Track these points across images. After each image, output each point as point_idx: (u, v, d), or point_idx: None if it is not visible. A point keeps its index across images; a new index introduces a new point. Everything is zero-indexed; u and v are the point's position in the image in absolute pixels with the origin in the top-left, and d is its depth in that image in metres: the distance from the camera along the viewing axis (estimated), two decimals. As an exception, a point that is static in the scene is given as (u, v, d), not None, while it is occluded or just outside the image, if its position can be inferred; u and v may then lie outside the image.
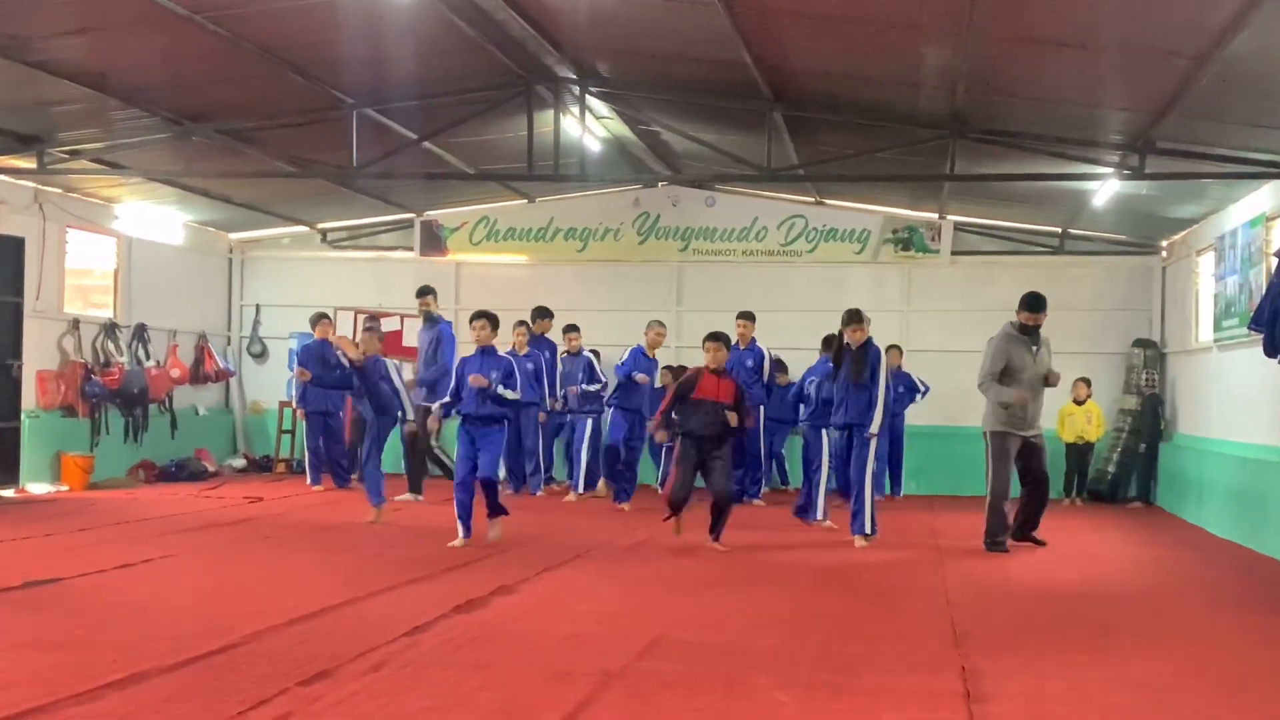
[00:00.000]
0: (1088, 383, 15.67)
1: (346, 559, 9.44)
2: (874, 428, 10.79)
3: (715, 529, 10.26)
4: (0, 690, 5.15)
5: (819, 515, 12.00)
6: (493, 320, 10.56)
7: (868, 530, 10.76)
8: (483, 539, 10.22)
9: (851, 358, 10.96)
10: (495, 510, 10.37)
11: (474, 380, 10.11)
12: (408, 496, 13.78)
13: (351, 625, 6.81)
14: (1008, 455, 10.68)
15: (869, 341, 11.01)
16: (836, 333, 11.37)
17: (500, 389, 10.11)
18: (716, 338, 10.49)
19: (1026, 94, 10.91)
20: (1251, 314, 11.56)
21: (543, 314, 15.48)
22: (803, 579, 8.99)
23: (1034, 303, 10.73)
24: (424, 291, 14.66)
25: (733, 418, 10.15)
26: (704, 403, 10.21)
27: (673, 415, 10.47)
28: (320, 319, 15.44)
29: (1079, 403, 15.54)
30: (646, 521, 11.90)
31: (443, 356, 13.89)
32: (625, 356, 14.23)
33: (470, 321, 10.64)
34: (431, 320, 14.41)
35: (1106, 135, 11.60)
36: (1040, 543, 10.84)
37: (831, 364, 11.43)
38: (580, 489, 14.64)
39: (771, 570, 9.44)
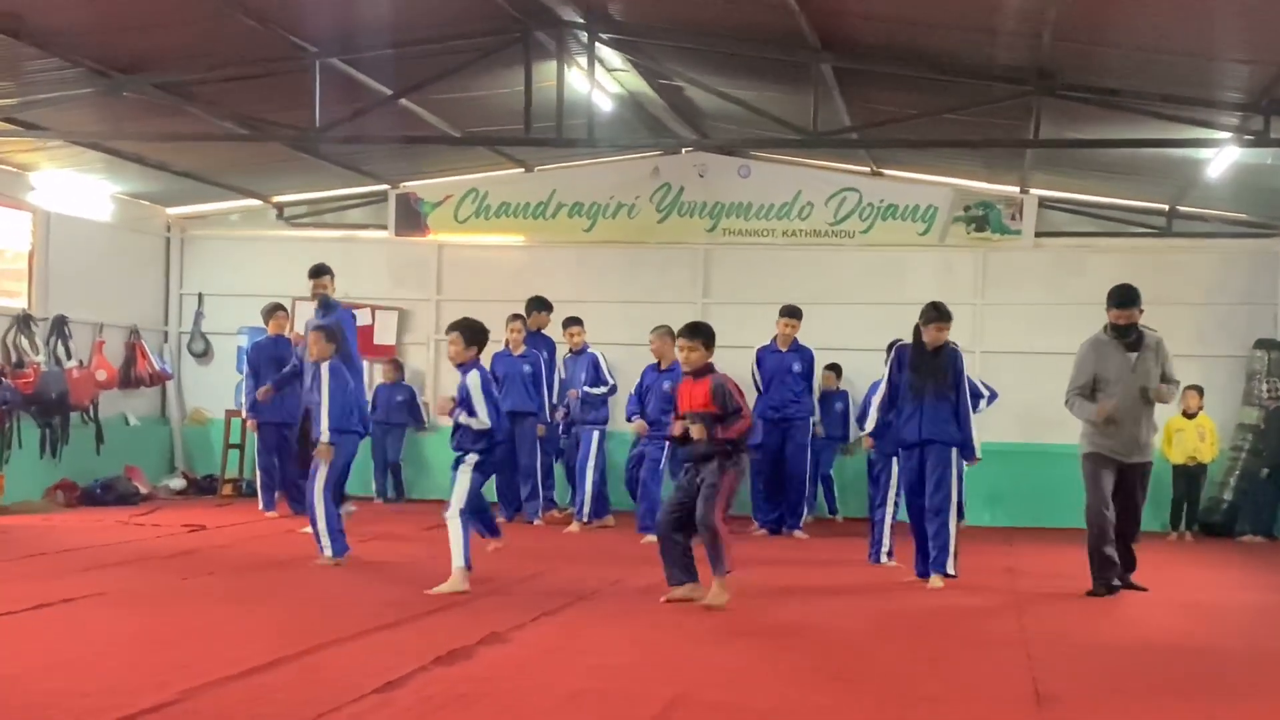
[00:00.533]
0: (1200, 392, 15.58)
1: (306, 600, 9.44)
2: (976, 452, 10.93)
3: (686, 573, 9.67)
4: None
5: (881, 557, 11.99)
6: (467, 333, 10.14)
7: (949, 570, 10.65)
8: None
9: (930, 362, 10.77)
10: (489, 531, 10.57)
11: (438, 408, 10.11)
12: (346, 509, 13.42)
13: (312, 680, 6.80)
14: (1099, 481, 10.49)
15: (949, 343, 10.86)
16: (912, 332, 11.12)
17: (463, 418, 9.92)
18: (693, 332, 9.85)
19: (1127, 43, 10.87)
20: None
21: (540, 306, 15.46)
22: (854, 628, 8.95)
23: (1123, 297, 10.47)
24: (319, 271, 14.12)
25: (696, 430, 9.43)
26: (686, 416, 9.68)
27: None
28: (275, 311, 15.42)
29: (1189, 416, 15.45)
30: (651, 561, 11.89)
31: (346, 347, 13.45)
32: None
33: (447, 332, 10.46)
34: (329, 307, 13.93)
35: (1224, 93, 11.56)
36: (1139, 588, 10.65)
37: (894, 366, 11.15)
38: (585, 517, 14.62)
39: (815, 617, 9.38)
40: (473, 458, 9.93)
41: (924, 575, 10.84)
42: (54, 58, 12.09)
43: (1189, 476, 15.52)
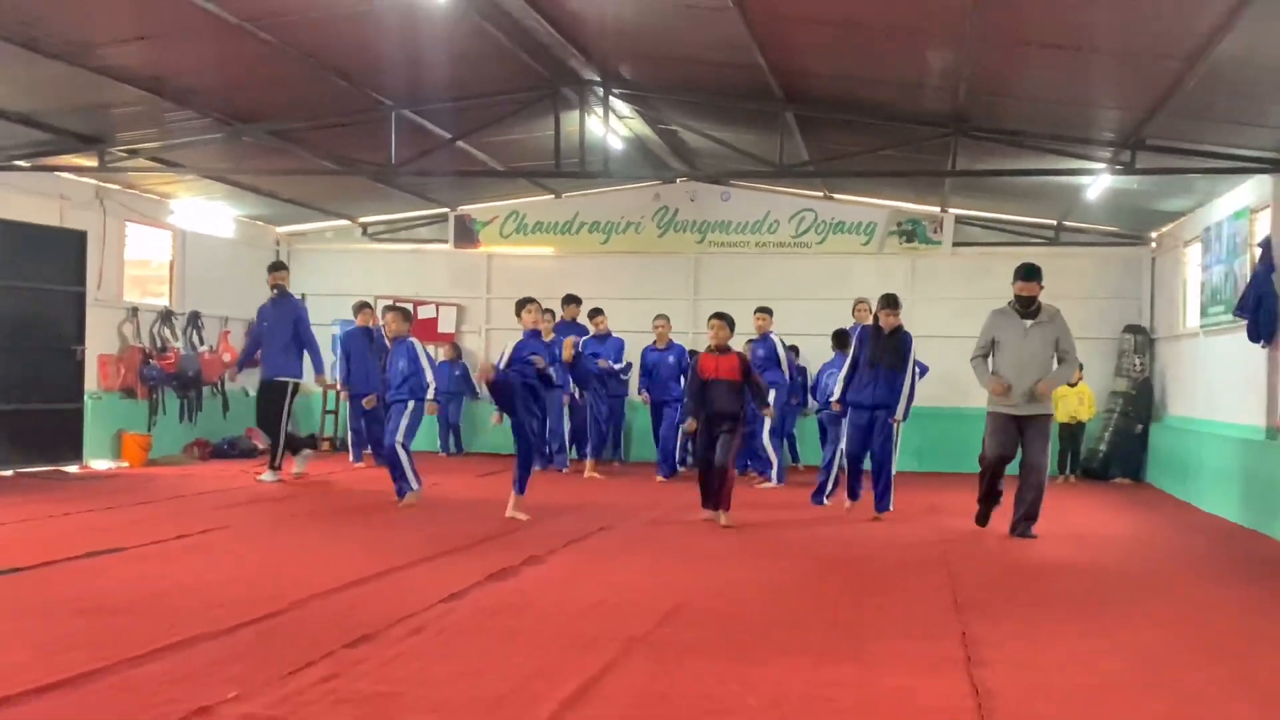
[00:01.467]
0: (1080, 367, 15.54)
1: (386, 532, 9.46)
2: (899, 414, 10.73)
3: (718, 502, 10.14)
4: (62, 653, 5.18)
5: (824, 499, 11.92)
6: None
7: (889, 507, 10.88)
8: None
9: (885, 342, 10.75)
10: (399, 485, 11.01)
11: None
12: (268, 476, 13.04)
13: (391, 593, 6.83)
14: (994, 435, 9.99)
15: (900, 327, 10.83)
16: (848, 327, 11.26)
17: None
18: (718, 316, 10.31)
19: (1024, 94, 10.84)
20: (1237, 301, 11.54)
21: (571, 300, 15.45)
22: (814, 553, 8.96)
23: (1026, 272, 9.96)
24: (276, 267, 13.91)
25: (765, 410, 10.49)
26: (711, 383, 10.09)
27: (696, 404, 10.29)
28: (363, 307, 15.39)
29: (1072, 385, 15.41)
30: (667, 497, 11.90)
31: (306, 332, 13.23)
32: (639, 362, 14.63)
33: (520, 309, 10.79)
34: (285, 296, 13.49)
35: (1100, 133, 11.53)
36: (1031, 536, 9.84)
37: (856, 344, 11.19)
38: (601, 456, 15.04)
39: (784, 545, 9.42)
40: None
41: (854, 498, 11.15)
42: (189, 110, 12.08)
43: (1071, 432, 15.48)
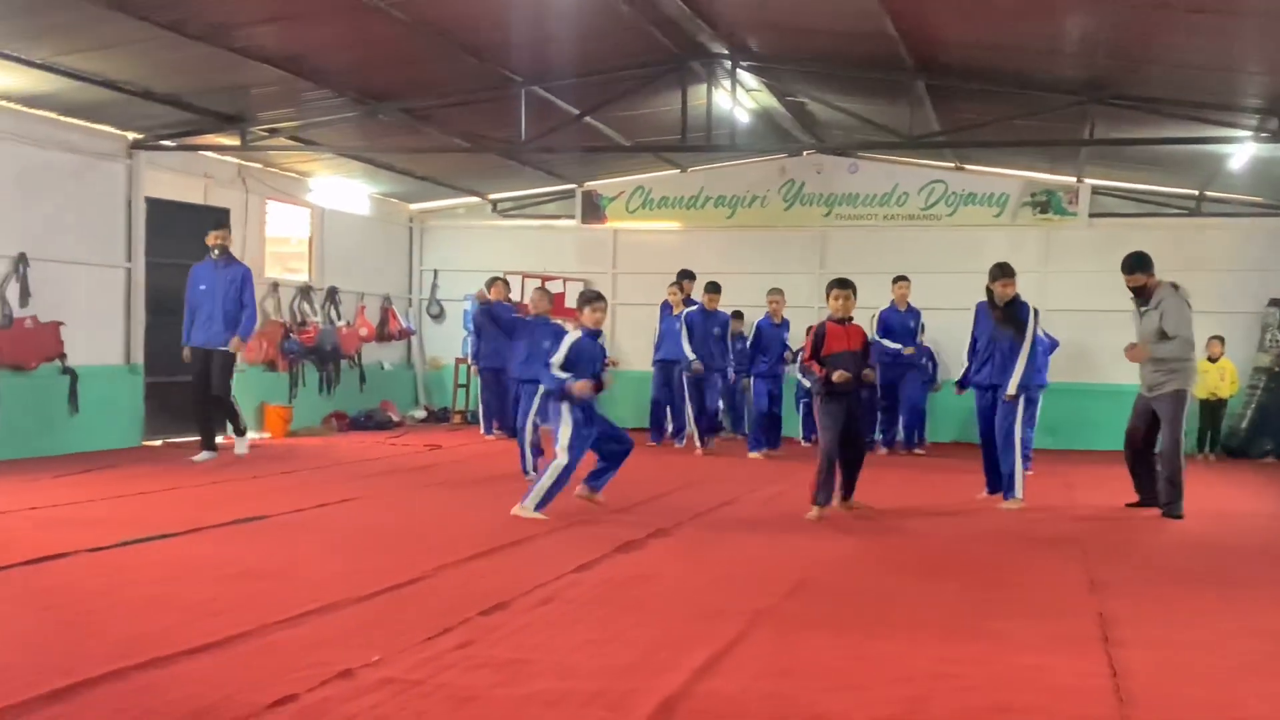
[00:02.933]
0: (1221, 340, 15.04)
1: (516, 502, 9.59)
2: (1011, 389, 9.80)
3: (847, 488, 9.29)
4: (213, 616, 5.37)
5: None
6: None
7: (1016, 494, 9.88)
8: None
9: (1002, 314, 9.99)
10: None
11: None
12: (205, 456, 12.01)
13: (522, 563, 6.93)
14: (1135, 410, 9.89)
15: (1018, 297, 10.01)
16: (985, 291, 10.20)
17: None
18: (842, 284, 9.19)
19: (1165, 60, 10.48)
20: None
21: (685, 275, 15.18)
22: (942, 531, 8.82)
23: (1122, 264, 9.82)
24: (219, 223, 12.59)
25: (868, 374, 9.09)
26: (838, 355, 9.00)
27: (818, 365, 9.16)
28: (495, 281, 15.19)
29: (1213, 360, 14.91)
30: (783, 474, 11.84)
31: (248, 297, 12.06)
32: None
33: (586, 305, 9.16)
34: (230, 257, 12.18)
35: (1244, 99, 11.13)
36: (1176, 517, 9.46)
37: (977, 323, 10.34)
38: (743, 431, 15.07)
39: (910, 523, 9.27)
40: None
41: (991, 490, 10.24)
42: (326, 90, 12.33)
43: (1211, 409, 14.99)
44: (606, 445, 8.99)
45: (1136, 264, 9.78)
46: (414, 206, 18.98)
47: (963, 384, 10.51)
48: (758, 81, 13.52)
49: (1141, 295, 9.78)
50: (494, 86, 12.59)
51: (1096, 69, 10.80)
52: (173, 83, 11.81)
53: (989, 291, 10.17)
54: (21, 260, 12.04)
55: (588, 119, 13.47)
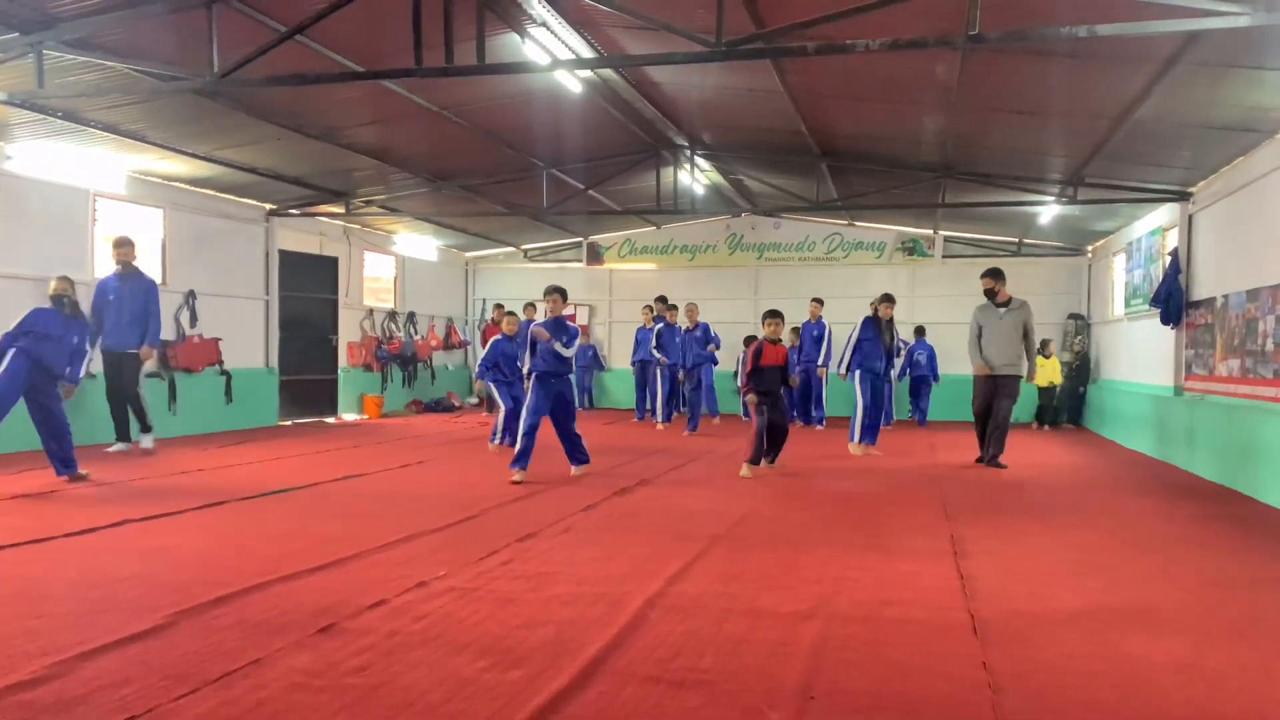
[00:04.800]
0: (1048, 342, 15.00)
1: (542, 465, 9.56)
2: (894, 374, 10.42)
3: (773, 455, 8.99)
4: (330, 543, 5.36)
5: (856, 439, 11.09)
6: (564, 294, 8.35)
7: (860, 440, 10.41)
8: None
9: (884, 328, 10.38)
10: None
11: (534, 333, 8.05)
12: (118, 447, 9.67)
13: (548, 504, 6.91)
14: (978, 390, 9.74)
15: (891, 317, 10.45)
16: (872, 310, 10.32)
17: (557, 345, 8.06)
18: (775, 314, 8.90)
19: (995, 146, 10.49)
20: (1151, 295, 11.07)
21: (661, 301, 15.03)
22: (843, 479, 8.84)
23: (986, 272, 9.78)
24: (122, 243, 9.75)
25: (793, 380, 9.00)
26: (769, 368, 8.72)
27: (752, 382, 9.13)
28: (526, 307, 15.09)
29: (1046, 358, 14.75)
30: (731, 442, 11.83)
31: (154, 307, 9.73)
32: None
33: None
34: (135, 270, 9.73)
35: (1050, 173, 11.13)
36: (1001, 466, 9.47)
37: (864, 331, 10.41)
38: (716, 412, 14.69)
39: (821, 476, 9.27)
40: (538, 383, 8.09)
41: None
42: (405, 172, 12.27)
43: (1048, 393, 14.70)
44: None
45: (997, 273, 9.74)
46: (468, 254, 18.90)
47: (848, 370, 10.51)
48: (709, 164, 13.49)
49: (995, 299, 9.67)
50: (524, 169, 12.55)
51: (947, 153, 10.80)
52: (298, 168, 11.77)
53: (874, 310, 10.44)
54: (191, 295, 11.98)
55: (591, 191, 13.44)
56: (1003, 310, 9.71)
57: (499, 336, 10.05)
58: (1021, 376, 9.61)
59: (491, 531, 5.82)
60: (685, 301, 15.15)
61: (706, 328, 14.08)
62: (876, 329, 10.42)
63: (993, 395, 9.71)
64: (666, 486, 7.99)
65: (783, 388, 8.87)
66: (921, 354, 15.25)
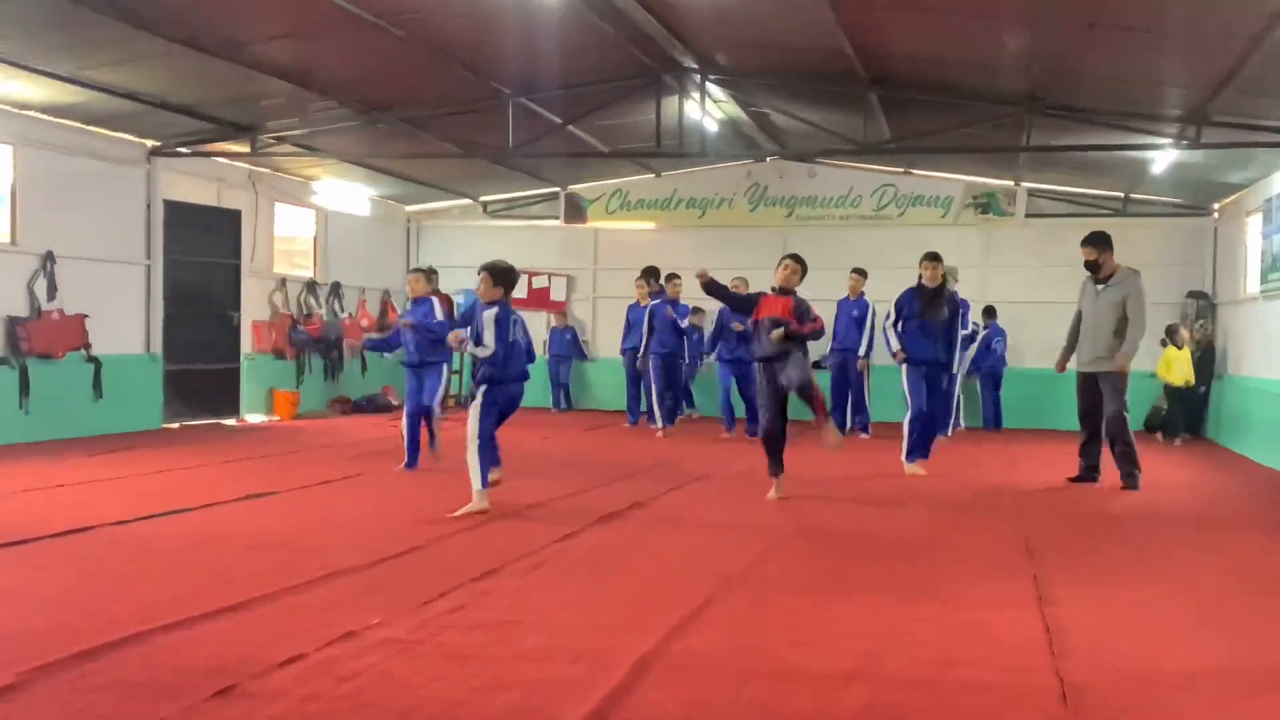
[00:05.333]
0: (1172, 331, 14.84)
1: (509, 480, 9.56)
2: (955, 367, 10.13)
3: (818, 416, 8.56)
4: (229, 583, 5.36)
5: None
6: (495, 275, 8.01)
7: (912, 455, 10.13)
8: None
9: (928, 299, 9.94)
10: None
11: (451, 340, 8.22)
12: None
13: (516, 533, 6.93)
14: (1078, 393, 9.80)
15: (944, 284, 10.01)
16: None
17: (470, 348, 7.89)
18: (792, 259, 8.68)
19: (1095, 73, 10.51)
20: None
21: (649, 273, 15.07)
22: (894, 501, 8.86)
23: (1088, 238, 9.72)
24: None
25: (777, 335, 8.22)
26: (765, 320, 8.36)
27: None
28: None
29: (1178, 348, 14.51)
30: (751, 453, 11.85)
31: None
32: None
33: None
34: None
35: (1166, 109, 11.16)
36: (1131, 487, 9.45)
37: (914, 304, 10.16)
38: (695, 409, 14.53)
39: (865, 494, 9.28)
40: (480, 398, 7.78)
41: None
42: (330, 100, 12.23)
43: (1181, 395, 14.30)
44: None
45: (1100, 239, 9.67)
46: (411, 208, 18.89)
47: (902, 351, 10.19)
48: (725, 94, 13.50)
49: (1096, 274, 9.66)
50: (485, 97, 12.53)
51: (1033, 81, 10.82)
52: (189, 94, 11.74)
53: (919, 276, 10.14)
54: (49, 258, 11.95)
55: (571, 128, 13.41)
56: (1101, 288, 9.69)
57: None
58: (1121, 371, 9.51)
59: (440, 568, 5.82)
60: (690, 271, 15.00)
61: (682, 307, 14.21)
62: (919, 301, 10.00)
63: (1091, 394, 9.70)
64: (666, 512, 7.99)
65: (795, 350, 8.25)
66: (999, 341, 15.29)
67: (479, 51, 11.11)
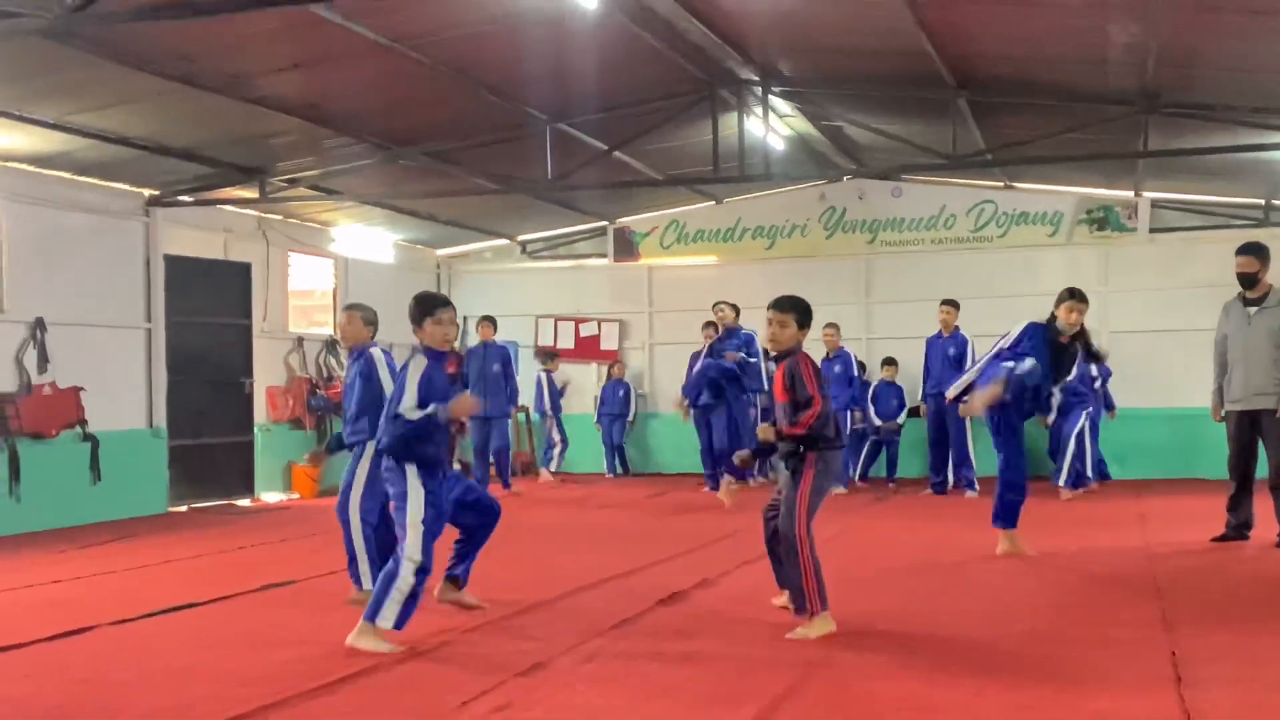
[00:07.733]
0: None
1: (557, 556, 9.58)
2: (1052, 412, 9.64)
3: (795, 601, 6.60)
4: (243, 686, 5.42)
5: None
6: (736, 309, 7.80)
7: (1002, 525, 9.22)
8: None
9: (1062, 347, 8.84)
10: None
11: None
12: None
13: (561, 619, 6.93)
14: (1229, 435, 9.50)
15: (1082, 330, 8.87)
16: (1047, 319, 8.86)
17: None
18: (781, 306, 6.82)
19: (1220, 65, 10.43)
20: None
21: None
22: (1000, 566, 8.75)
23: (1244, 247, 9.41)
24: None
25: (762, 432, 6.75)
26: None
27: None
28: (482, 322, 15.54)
29: None
30: (835, 517, 11.77)
31: None
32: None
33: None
34: None
35: (1307, 101, 11.04)
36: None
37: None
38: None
39: (967, 567, 9.14)
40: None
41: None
42: (345, 136, 12.44)
43: None
44: (464, 516, 7.19)
45: (1259, 249, 9.37)
46: (440, 252, 19.13)
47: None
48: (791, 107, 13.58)
49: (1252, 289, 9.34)
50: (518, 125, 12.70)
51: (1148, 77, 10.75)
52: (188, 136, 11.99)
53: (1052, 317, 8.95)
54: (39, 325, 12.23)
55: (616, 154, 13.53)
56: (1254, 310, 9.34)
57: (421, 357, 6.97)
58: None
59: (480, 662, 5.84)
60: (757, 313, 14.95)
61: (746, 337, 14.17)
62: (1050, 347, 8.85)
63: (1247, 437, 9.40)
64: (738, 586, 7.96)
65: (790, 452, 6.58)
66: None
67: (508, 74, 11.28)
